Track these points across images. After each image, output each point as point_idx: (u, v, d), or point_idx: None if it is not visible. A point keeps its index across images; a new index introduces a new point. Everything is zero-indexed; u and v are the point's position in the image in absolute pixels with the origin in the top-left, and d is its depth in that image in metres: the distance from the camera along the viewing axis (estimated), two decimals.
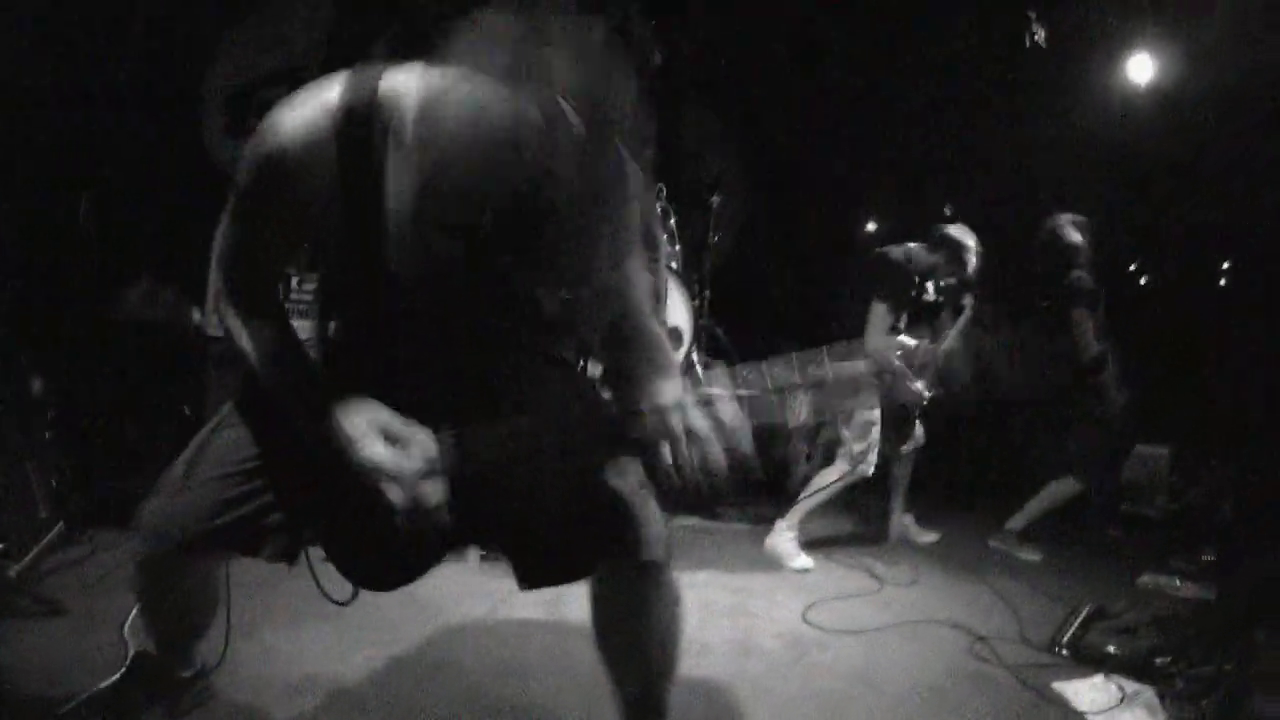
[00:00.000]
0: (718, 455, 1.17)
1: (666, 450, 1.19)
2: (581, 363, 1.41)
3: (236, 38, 4.64)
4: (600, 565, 1.39)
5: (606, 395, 1.45)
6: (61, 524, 2.85)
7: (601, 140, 1.26)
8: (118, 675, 1.79)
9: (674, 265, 5.23)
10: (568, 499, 1.33)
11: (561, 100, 1.09)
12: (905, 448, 3.97)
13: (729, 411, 1.21)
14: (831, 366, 1.07)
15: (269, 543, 1.36)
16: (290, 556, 1.39)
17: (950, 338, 3.91)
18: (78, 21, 3.83)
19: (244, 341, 1.32)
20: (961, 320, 3.99)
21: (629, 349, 1.43)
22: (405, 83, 1.20)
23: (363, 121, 1.18)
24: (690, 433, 1.21)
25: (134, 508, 1.40)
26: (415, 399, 1.25)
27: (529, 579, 1.41)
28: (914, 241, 3.81)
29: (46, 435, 3.07)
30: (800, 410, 1.13)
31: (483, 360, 1.33)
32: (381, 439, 1.19)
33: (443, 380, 1.30)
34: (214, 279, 1.36)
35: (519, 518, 1.39)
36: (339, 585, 1.42)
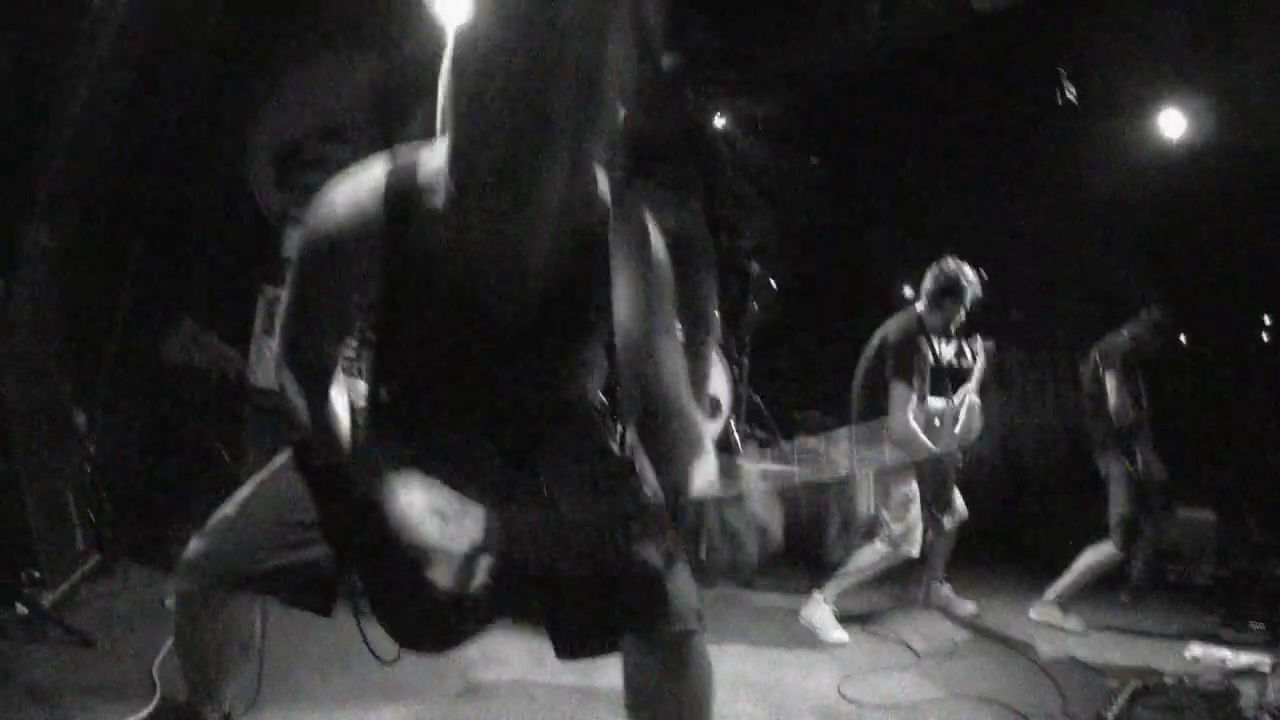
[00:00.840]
0: (750, 551, 1.18)
1: (700, 540, 1.20)
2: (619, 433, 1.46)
3: (283, 91, 4.77)
4: (633, 635, 1.39)
5: (641, 473, 1.46)
6: (97, 557, 2.85)
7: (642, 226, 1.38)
8: (143, 714, 1.77)
9: (713, 334, 5.23)
10: (603, 571, 1.34)
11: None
12: (947, 523, 3.82)
13: (762, 504, 1.24)
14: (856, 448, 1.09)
15: (308, 595, 1.38)
16: (327, 609, 1.41)
17: (970, 390, 3.86)
18: (130, 69, 3.96)
19: (301, 413, 1.40)
20: (978, 371, 3.94)
21: (663, 431, 1.47)
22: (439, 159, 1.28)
23: (406, 202, 1.28)
24: (724, 527, 1.24)
25: (168, 546, 1.40)
26: (462, 467, 1.31)
27: (567, 649, 1.42)
28: (918, 304, 3.74)
29: (87, 469, 3.11)
30: (840, 462, 1.13)
31: (527, 432, 1.40)
32: (433, 518, 1.25)
33: (489, 452, 1.36)
34: (275, 349, 1.45)
35: (556, 591, 1.40)
36: (385, 640, 1.43)
